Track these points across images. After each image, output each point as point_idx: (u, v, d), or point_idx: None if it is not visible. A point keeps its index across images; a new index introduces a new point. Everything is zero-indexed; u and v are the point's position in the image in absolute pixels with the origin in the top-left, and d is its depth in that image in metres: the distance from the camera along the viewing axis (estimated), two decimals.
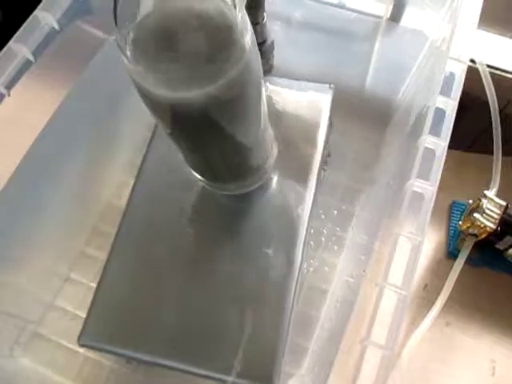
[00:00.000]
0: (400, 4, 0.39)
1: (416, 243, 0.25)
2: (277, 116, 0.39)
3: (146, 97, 0.24)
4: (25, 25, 0.33)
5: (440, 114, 0.28)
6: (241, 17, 0.22)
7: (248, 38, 0.23)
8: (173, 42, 0.22)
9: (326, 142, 0.39)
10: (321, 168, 0.39)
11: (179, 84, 0.22)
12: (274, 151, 0.37)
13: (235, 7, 0.22)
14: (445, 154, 0.27)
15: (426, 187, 0.26)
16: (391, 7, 0.40)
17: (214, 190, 0.37)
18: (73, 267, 0.44)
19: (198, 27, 0.21)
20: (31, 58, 0.32)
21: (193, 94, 0.22)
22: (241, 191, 0.37)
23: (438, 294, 0.42)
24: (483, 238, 0.42)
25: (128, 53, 0.22)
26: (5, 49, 0.32)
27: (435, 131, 0.28)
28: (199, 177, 0.35)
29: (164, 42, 0.22)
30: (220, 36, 0.22)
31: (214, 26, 0.22)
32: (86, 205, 0.45)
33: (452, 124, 0.28)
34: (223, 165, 0.33)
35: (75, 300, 0.42)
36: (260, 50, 0.37)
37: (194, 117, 0.24)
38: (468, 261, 0.43)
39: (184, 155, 0.32)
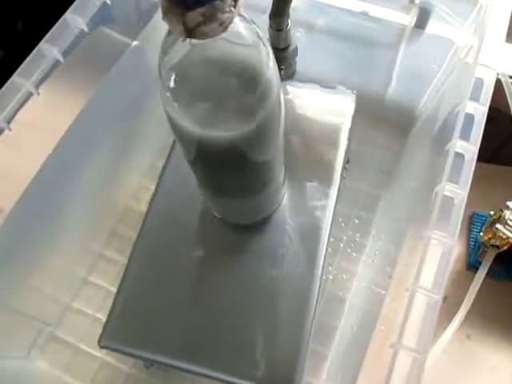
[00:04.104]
0: (424, 14, 0.39)
1: (447, 247, 0.25)
2: (299, 120, 0.39)
3: (177, 130, 0.25)
4: (55, 27, 0.33)
5: (469, 119, 0.28)
6: (265, 53, 0.23)
7: (272, 72, 0.24)
8: (207, 85, 0.23)
9: (348, 147, 0.39)
10: (341, 175, 0.38)
11: (214, 123, 0.24)
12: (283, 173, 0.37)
13: (259, 46, 0.23)
14: (475, 158, 0.27)
15: (456, 191, 0.26)
16: (415, 18, 0.40)
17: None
18: (91, 270, 0.44)
19: (229, 70, 0.23)
20: (61, 58, 0.33)
21: (228, 133, 0.24)
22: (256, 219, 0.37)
23: (459, 306, 0.41)
24: (505, 250, 0.42)
25: (168, 94, 0.23)
26: (35, 50, 0.32)
27: (464, 136, 0.28)
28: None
29: (200, 85, 0.23)
30: (249, 76, 0.23)
31: (243, 69, 0.23)
32: (105, 207, 0.45)
33: (482, 130, 0.28)
34: (241, 195, 0.33)
35: (93, 303, 0.42)
36: (283, 55, 0.38)
37: (222, 152, 0.25)
38: (489, 273, 0.42)
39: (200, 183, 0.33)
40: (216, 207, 0.36)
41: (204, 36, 0.19)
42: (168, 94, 0.23)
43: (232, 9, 0.19)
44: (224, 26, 0.19)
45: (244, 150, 0.26)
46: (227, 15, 0.19)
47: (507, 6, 0.32)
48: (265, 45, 0.23)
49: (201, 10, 0.18)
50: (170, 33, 0.21)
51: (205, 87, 0.23)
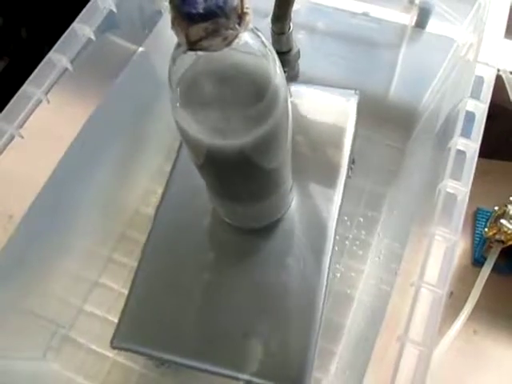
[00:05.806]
0: (424, 13, 0.40)
1: (451, 243, 0.25)
2: (303, 122, 0.40)
3: (186, 138, 0.25)
4: (63, 36, 0.34)
5: (470, 117, 0.29)
6: (272, 60, 0.23)
7: (279, 79, 0.24)
8: (216, 94, 0.23)
9: (352, 147, 0.39)
10: (347, 174, 0.39)
11: (223, 131, 0.24)
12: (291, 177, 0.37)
13: (265, 53, 0.23)
14: (476, 155, 0.28)
15: (458, 188, 0.27)
16: (415, 17, 0.40)
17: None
18: (101, 273, 0.45)
19: (237, 79, 0.23)
20: (70, 67, 0.33)
21: (238, 141, 0.24)
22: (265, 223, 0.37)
23: (465, 301, 0.41)
24: (510, 245, 0.42)
25: (177, 102, 0.23)
26: (44, 59, 0.33)
27: (465, 134, 0.28)
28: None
29: (209, 94, 0.23)
30: (258, 84, 0.23)
31: (251, 75, 0.23)
32: (114, 211, 0.46)
33: (483, 127, 0.29)
34: (248, 197, 0.33)
35: (104, 305, 0.43)
36: (286, 58, 0.39)
37: (232, 159, 0.26)
38: (495, 268, 0.42)
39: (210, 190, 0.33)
40: (225, 211, 0.36)
41: (206, 50, 0.20)
42: (177, 103, 0.23)
43: (237, 26, 0.19)
44: (227, 41, 0.19)
45: (253, 157, 0.26)
46: (231, 32, 0.19)
47: (505, 1, 0.33)
48: (271, 52, 0.23)
49: (204, 25, 0.18)
50: (179, 43, 0.22)
51: (214, 96, 0.23)
